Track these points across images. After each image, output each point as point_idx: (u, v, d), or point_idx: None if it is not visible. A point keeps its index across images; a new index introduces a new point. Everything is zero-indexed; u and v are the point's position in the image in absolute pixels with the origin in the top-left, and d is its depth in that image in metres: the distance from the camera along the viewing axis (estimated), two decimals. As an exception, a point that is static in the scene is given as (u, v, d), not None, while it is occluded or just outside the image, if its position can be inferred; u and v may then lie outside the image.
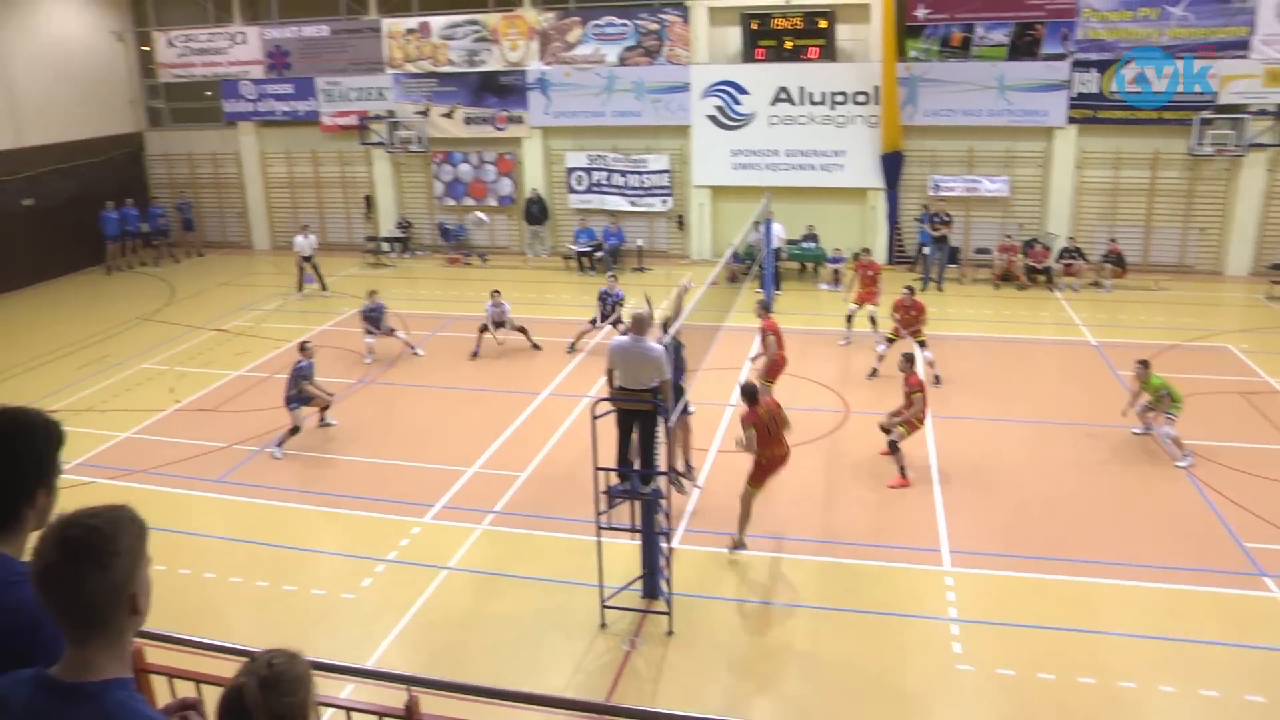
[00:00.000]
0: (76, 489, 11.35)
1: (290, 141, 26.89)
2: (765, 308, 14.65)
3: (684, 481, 11.57)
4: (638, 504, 9.30)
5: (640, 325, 9.27)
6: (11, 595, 2.54)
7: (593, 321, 17.44)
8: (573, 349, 17.26)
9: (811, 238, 22.63)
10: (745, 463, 10.35)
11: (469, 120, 25.15)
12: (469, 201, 25.64)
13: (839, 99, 22.79)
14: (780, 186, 22.37)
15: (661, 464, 9.38)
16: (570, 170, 24.81)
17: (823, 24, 22.35)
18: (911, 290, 15.87)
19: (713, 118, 23.60)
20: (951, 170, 22.61)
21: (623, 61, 23.81)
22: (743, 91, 23.25)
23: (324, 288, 21.98)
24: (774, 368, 13.68)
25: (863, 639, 9.06)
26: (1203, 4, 20.28)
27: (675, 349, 10.23)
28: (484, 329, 17.19)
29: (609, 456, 9.22)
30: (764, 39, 22.75)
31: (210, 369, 17.07)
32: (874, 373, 15.73)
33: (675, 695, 8.35)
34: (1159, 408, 12.62)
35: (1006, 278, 21.59)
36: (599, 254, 23.64)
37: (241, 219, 27.86)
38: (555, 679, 8.51)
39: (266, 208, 27.57)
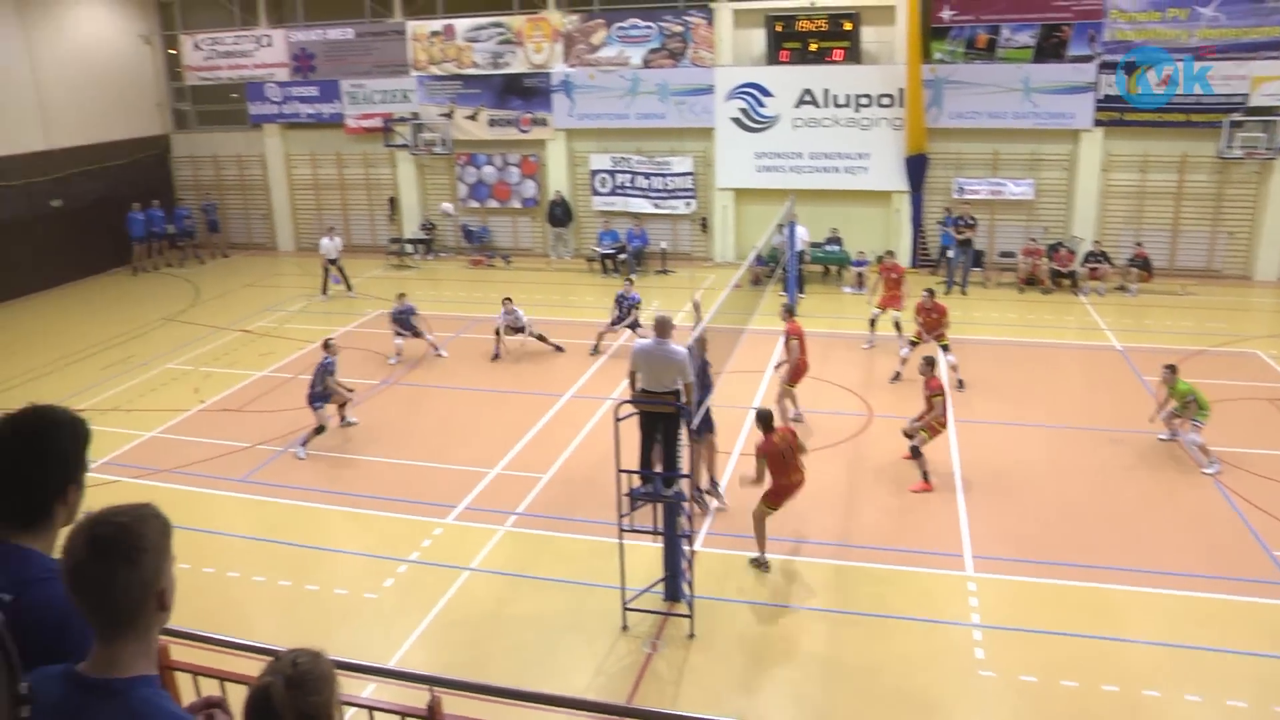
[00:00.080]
0: (102, 488, 11.48)
1: (315, 144, 27.09)
2: (789, 311, 14.62)
3: (708, 499, 11.57)
4: (660, 506, 9.31)
5: (663, 328, 9.29)
6: (42, 592, 2.57)
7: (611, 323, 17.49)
8: (595, 351, 17.30)
9: (835, 240, 22.56)
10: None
11: (493, 122, 25.24)
12: (493, 204, 25.78)
13: (863, 101, 22.71)
14: (804, 189, 22.32)
15: (684, 467, 9.36)
16: (594, 172, 24.85)
17: (847, 26, 22.27)
18: (931, 293, 15.80)
19: (737, 120, 23.56)
20: (976, 173, 22.46)
21: (647, 64, 23.83)
22: (767, 94, 23.20)
23: (349, 288, 22.12)
24: (796, 373, 13.70)
25: (884, 644, 9.01)
26: (1234, 4, 20.02)
27: (701, 367, 10.23)
28: (498, 332, 17.30)
29: (632, 459, 9.22)
30: (788, 41, 22.68)
31: (235, 369, 17.20)
32: (897, 376, 15.68)
33: (696, 698, 8.34)
34: (1185, 414, 12.46)
35: (1031, 282, 21.41)
36: (622, 256, 23.66)
37: (266, 221, 28.10)
38: (577, 680, 8.52)
39: (291, 209, 27.79)
